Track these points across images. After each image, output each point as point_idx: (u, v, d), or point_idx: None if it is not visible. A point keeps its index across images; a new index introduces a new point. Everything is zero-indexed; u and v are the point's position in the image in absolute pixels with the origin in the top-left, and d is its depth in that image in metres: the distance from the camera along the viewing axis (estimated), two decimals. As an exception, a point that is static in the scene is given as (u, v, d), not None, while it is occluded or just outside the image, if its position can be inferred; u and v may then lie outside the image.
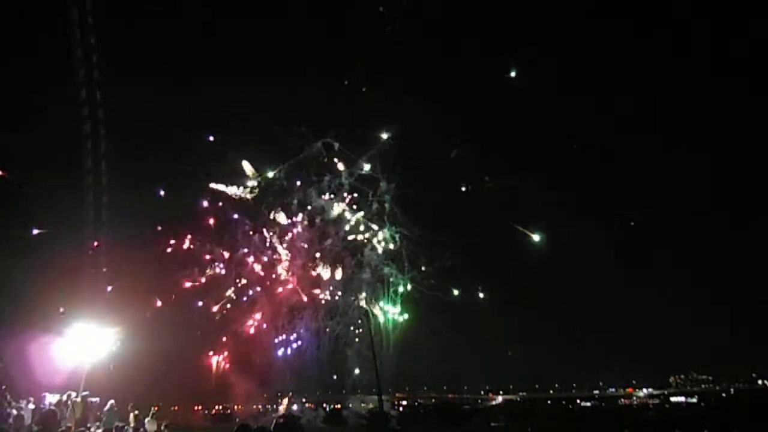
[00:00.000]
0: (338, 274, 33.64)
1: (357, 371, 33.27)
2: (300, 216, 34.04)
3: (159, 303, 32.72)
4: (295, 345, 37.02)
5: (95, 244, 27.57)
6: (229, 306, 34.85)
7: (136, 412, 18.16)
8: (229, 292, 34.78)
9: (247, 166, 34.03)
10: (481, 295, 33.71)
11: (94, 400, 16.88)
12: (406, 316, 33.24)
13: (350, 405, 34.78)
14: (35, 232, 26.53)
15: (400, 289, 33.10)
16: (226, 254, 34.63)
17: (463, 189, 33.38)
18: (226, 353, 36.17)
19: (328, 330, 34.77)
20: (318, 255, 33.75)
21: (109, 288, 29.42)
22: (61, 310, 23.47)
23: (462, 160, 33.24)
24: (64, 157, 27.87)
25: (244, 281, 34.93)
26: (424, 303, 32.91)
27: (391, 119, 32.61)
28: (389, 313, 32.93)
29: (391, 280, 33.19)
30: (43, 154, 27.56)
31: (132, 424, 16.86)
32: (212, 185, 33.70)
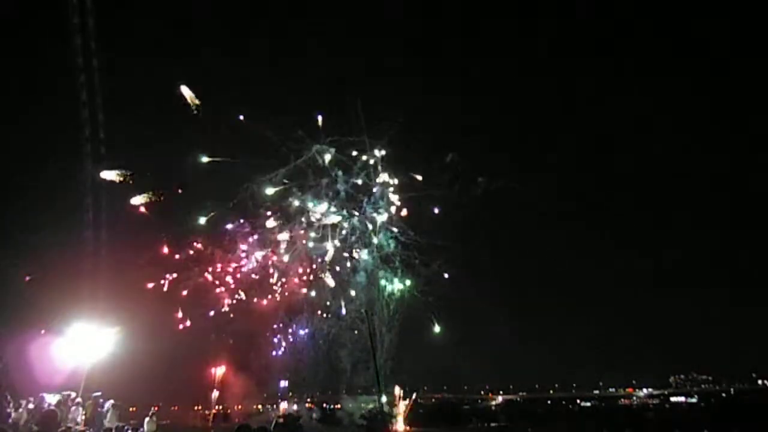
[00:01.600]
0: (330, 280, 33.25)
1: (356, 372, 33.21)
2: (297, 220, 33.56)
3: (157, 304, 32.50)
4: (293, 345, 37.13)
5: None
6: (227, 307, 34.87)
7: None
8: (228, 294, 34.77)
9: (186, 91, 29.32)
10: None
11: (105, 401, 16.95)
12: (406, 294, 32.75)
13: (350, 405, 34.75)
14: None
15: (396, 292, 32.83)
16: (225, 255, 34.48)
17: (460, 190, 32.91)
18: (225, 353, 36.30)
19: (325, 331, 34.80)
20: (319, 261, 33.43)
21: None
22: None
23: (459, 162, 32.90)
24: (63, 157, 27.86)
25: (241, 283, 34.77)
26: (423, 304, 32.80)
27: (387, 125, 32.06)
28: (387, 313, 32.82)
29: (385, 284, 32.93)
30: (42, 153, 27.63)
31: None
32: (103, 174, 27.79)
